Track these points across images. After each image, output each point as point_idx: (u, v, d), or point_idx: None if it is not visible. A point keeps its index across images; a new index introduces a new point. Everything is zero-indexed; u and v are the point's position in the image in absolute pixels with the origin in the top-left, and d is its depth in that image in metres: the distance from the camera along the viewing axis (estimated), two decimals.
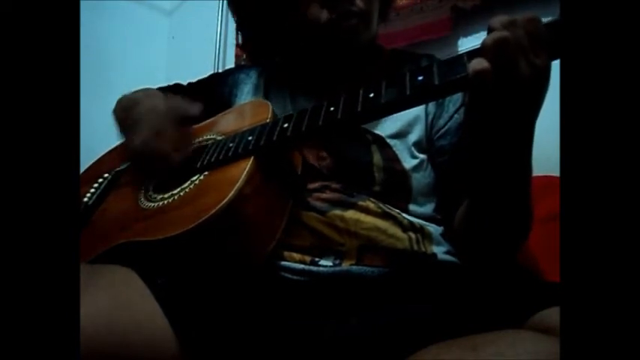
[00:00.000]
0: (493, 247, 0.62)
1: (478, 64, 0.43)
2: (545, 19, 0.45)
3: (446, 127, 0.69)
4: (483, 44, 0.44)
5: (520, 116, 0.47)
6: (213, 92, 0.83)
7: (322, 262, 0.57)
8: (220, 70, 1.64)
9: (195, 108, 0.68)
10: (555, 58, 0.44)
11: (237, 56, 1.86)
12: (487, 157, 0.52)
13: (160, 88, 0.86)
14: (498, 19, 0.44)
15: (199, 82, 0.88)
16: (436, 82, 0.46)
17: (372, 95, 0.51)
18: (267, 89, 0.79)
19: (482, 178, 0.55)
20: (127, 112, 0.71)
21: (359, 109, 0.51)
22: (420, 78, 0.48)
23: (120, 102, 0.76)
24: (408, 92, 0.48)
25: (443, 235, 0.65)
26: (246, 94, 0.79)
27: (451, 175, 0.67)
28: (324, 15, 0.66)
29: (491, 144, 0.51)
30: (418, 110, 0.69)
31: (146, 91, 0.81)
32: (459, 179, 0.65)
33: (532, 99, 0.46)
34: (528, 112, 0.47)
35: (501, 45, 0.42)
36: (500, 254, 0.63)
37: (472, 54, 0.45)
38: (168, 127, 0.65)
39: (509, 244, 0.63)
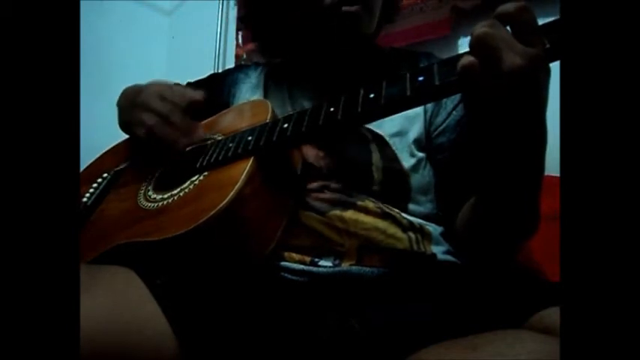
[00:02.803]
0: (497, 247, 0.61)
1: (464, 59, 0.43)
2: (544, 20, 0.44)
3: (444, 125, 0.69)
4: (469, 44, 0.44)
5: (521, 112, 0.46)
6: (213, 92, 0.82)
7: (322, 262, 0.57)
8: (220, 70, 1.65)
9: (198, 94, 0.68)
10: (553, 48, 0.43)
11: (237, 56, 1.87)
12: (492, 157, 0.52)
13: None
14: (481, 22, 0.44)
15: (198, 82, 0.88)
16: (436, 83, 0.46)
17: (372, 96, 0.51)
18: (266, 89, 0.79)
19: (487, 179, 0.55)
20: (131, 99, 0.70)
21: (359, 109, 0.51)
22: (421, 78, 0.48)
23: (124, 92, 0.76)
24: (408, 93, 0.48)
25: (443, 234, 0.65)
26: (245, 93, 0.79)
27: (451, 173, 0.67)
28: None
29: (495, 143, 0.50)
30: (417, 108, 0.69)
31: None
32: (459, 177, 0.65)
33: (530, 90, 0.44)
34: (529, 106, 0.46)
35: (483, 39, 0.43)
36: (503, 254, 0.63)
37: None
38: (176, 112, 0.65)
39: (514, 244, 0.63)
